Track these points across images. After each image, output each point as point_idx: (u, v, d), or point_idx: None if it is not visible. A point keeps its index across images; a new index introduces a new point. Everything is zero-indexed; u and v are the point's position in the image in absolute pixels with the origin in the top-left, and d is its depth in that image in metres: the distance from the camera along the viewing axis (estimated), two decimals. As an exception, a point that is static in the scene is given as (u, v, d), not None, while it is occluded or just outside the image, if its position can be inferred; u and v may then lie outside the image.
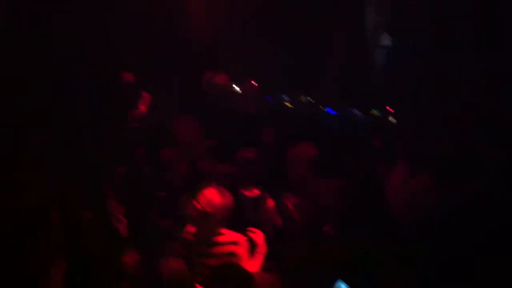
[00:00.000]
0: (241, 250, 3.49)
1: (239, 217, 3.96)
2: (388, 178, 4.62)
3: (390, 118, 7.88)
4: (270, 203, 4.36)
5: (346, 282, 3.29)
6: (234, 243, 3.53)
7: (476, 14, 6.07)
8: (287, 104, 8.26)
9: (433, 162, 4.56)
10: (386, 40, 8.25)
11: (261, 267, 3.48)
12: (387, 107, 7.91)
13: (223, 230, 3.63)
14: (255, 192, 4.42)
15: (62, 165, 4.22)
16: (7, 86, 5.31)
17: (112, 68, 6.20)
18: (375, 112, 7.99)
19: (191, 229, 3.57)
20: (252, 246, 3.52)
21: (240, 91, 7.64)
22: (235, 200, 3.74)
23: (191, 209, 3.58)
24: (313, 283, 3.45)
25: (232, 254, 3.48)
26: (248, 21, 7.40)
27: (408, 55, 7.74)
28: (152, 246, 3.86)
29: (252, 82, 7.69)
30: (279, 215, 4.39)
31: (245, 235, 3.55)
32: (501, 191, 4.03)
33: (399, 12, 7.68)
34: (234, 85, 7.71)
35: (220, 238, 3.61)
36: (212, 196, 3.58)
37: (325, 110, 8.29)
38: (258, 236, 3.54)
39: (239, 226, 3.70)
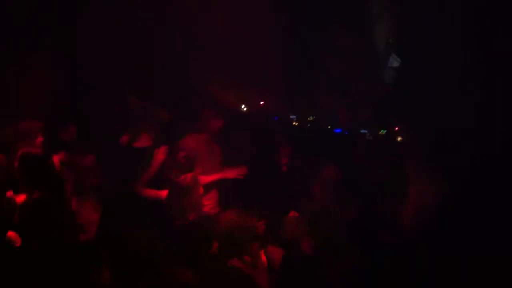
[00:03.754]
0: None
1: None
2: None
3: (398, 138, 7.93)
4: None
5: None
6: None
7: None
8: (294, 123, 8.38)
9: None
10: (394, 59, 8.36)
11: None
12: (396, 127, 7.99)
13: None
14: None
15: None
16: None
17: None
18: (383, 132, 8.06)
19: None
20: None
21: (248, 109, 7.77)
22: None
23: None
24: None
25: None
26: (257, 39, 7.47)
27: (414, 74, 7.85)
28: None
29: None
30: None
31: None
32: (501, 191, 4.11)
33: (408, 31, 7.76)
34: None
35: None
36: None
37: (333, 130, 8.42)
38: None
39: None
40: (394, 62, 8.32)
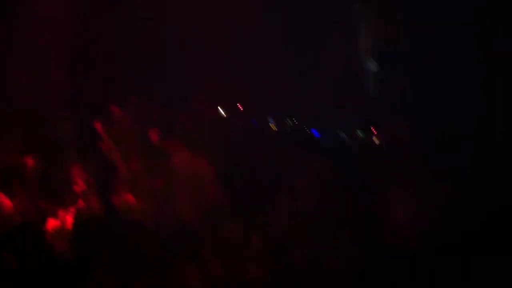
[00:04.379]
0: None
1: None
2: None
3: (374, 139, 7.86)
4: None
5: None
6: None
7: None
8: (273, 126, 8.29)
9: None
10: (373, 64, 8.35)
11: None
12: (372, 128, 7.92)
13: None
14: None
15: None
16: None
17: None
18: (360, 133, 8.00)
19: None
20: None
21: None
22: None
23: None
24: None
25: None
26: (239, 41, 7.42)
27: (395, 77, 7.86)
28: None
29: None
30: None
31: None
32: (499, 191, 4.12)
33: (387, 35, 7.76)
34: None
35: None
36: None
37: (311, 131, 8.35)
38: None
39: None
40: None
